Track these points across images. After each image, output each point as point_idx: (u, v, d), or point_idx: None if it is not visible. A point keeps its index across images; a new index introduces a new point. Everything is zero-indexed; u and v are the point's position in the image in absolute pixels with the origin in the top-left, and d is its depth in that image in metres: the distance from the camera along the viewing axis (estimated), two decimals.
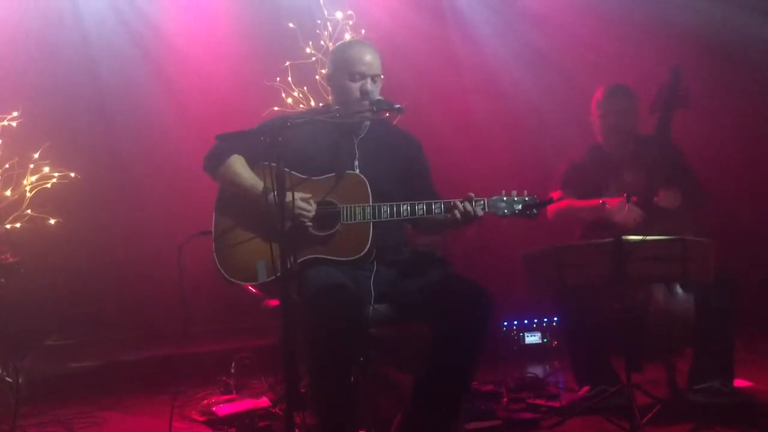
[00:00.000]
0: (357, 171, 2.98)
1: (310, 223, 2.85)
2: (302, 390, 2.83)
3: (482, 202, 2.84)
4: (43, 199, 4.21)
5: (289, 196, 2.59)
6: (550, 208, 3.56)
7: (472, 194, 2.85)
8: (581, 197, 3.58)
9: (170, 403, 3.30)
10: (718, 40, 4.73)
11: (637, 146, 3.61)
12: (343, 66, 3.01)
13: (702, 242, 3.04)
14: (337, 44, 4.20)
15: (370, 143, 3.07)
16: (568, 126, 4.46)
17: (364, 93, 2.96)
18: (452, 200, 2.85)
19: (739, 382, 3.42)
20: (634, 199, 3.33)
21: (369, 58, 2.99)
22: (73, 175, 4.28)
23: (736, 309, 3.30)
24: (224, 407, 3.57)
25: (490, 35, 5.27)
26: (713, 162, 4.45)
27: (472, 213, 2.81)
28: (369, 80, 2.98)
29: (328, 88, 3.17)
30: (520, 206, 2.85)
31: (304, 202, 2.84)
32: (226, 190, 3.00)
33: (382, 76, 3.03)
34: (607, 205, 3.40)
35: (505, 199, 2.86)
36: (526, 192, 2.87)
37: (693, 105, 3.41)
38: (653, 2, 4.93)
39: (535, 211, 2.86)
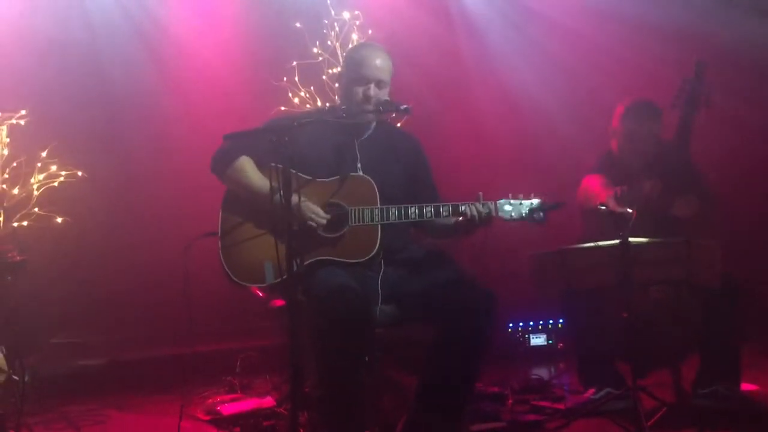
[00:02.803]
0: (360, 172, 2.98)
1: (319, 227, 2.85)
2: (307, 390, 2.83)
3: (489, 205, 2.84)
4: (50, 198, 4.22)
5: (298, 201, 2.59)
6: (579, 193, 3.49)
7: (481, 195, 2.85)
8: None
9: (177, 401, 3.31)
10: (738, 48, 4.67)
11: (654, 154, 3.50)
12: (351, 68, 3.02)
13: (708, 245, 3.03)
14: (353, 45, 4.21)
15: (372, 145, 3.07)
16: (577, 130, 4.45)
17: (366, 97, 2.96)
18: (460, 203, 2.85)
19: (745, 386, 3.41)
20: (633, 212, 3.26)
21: (378, 63, 2.99)
22: (80, 173, 4.30)
23: (742, 313, 3.28)
24: (229, 406, 3.58)
25: (498, 37, 5.26)
26: (731, 170, 4.41)
27: (480, 216, 2.81)
28: (373, 85, 2.97)
29: (337, 87, 3.17)
30: (527, 210, 2.86)
31: (316, 207, 2.83)
32: (233, 191, 2.99)
33: (389, 81, 3.02)
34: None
35: (512, 202, 2.86)
36: (533, 195, 2.87)
37: (713, 111, 3.31)
38: (671, 8, 4.88)
39: (542, 214, 2.86)
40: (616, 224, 3.09)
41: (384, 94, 3.01)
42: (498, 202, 2.87)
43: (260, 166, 2.96)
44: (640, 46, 4.86)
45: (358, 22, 4.50)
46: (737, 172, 4.61)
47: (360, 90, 2.97)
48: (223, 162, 2.97)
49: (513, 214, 2.86)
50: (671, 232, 3.27)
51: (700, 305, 3.23)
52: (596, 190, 3.41)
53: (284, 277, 2.51)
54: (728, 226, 4.04)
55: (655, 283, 3.17)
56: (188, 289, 3.12)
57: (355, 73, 2.99)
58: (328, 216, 2.86)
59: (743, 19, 4.72)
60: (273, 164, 2.58)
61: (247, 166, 2.96)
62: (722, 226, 3.55)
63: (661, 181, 3.35)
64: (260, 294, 2.99)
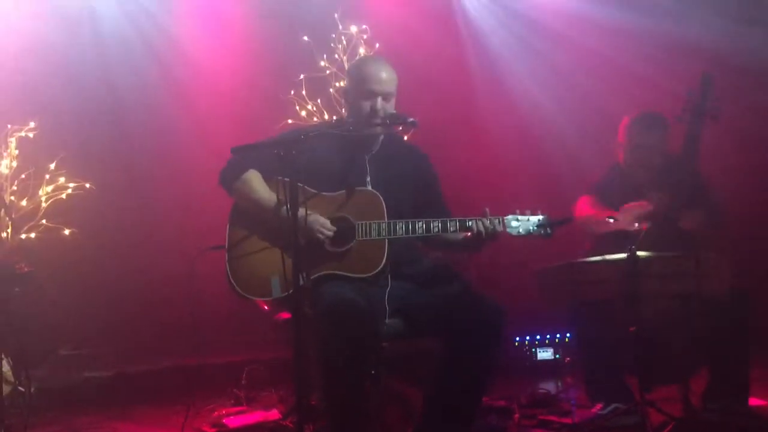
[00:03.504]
0: (369, 187, 2.99)
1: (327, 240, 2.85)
2: (312, 403, 2.83)
3: (496, 221, 2.84)
4: (58, 210, 4.25)
5: (307, 215, 2.59)
6: (578, 216, 3.51)
7: (488, 210, 2.85)
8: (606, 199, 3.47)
9: (182, 414, 3.30)
10: (743, 62, 4.67)
11: (662, 165, 3.50)
12: (357, 82, 3.02)
13: (716, 258, 3.01)
14: (355, 59, 4.23)
15: (382, 159, 3.07)
16: (584, 143, 4.45)
17: (374, 111, 2.96)
18: (467, 218, 2.85)
19: (754, 401, 3.39)
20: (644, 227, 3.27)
21: (383, 76, 2.98)
22: (88, 185, 4.33)
23: (751, 327, 3.26)
24: (235, 419, 3.57)
25: (505, 51, 5.28)
26: (737, 182, 4.40)
27: (486, 232, 2.82)
28: (380, 99, 2.98)
29: (343, 102, 3.17)
30: (534, 226, 2.86)
31: (324, 220, 2.83)
32: (240, 205, 2.99)
33: (394, 93, 3.04)
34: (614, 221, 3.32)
35: (519, 218, 2.87)
36: (539, 211, 2.88)
37: (720, 122, 3.29)
38: (676, 21, 4.89)
39: (549, 230, 2.87)
40: (625, 238, 3.08)
41: (390, 107, 3.01)
42: (505, 217, 2.87)
43: (268, 179, 2.97)
44: (647, 59, 4.87)
45: (365, 36, 4.52)
46: (746, 182, 4.60)
47: (367, 104, 2.97)
48: (231, 175, 2.98)
49: (520, 230, 2.86)
50: (679, 244, 3.25)
51: (708, 318, 3.21)
52: (590, 213, 3.43)
53: (291, 291, 2.50)
54: (737, 237, 4.03)
55: (664, 297, 3.15)
56: (195, 301, 3.12)
57: (361, 87, 2.98)
58: (335, 228, 2.86)
59: (750, 31, 4.72)
60: (280, 177, 2.59)
61: (254, 179, 2.96)
62: (731, 238, 3.53)
63: (668, 195, 3.34)
64: (266, 307, 2.98)
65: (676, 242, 3.28)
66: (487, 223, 2.84)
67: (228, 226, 2.96)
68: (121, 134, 5.00)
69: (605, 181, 3.60)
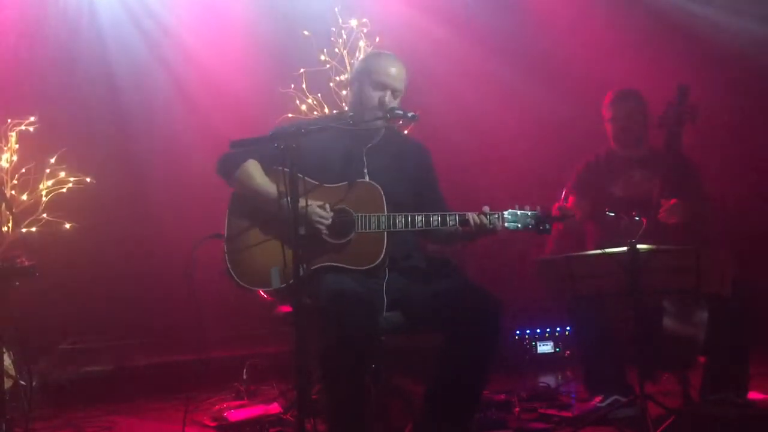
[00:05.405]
0: (366, 179, 2.99)
1: (326, 231, 2.85)
2: (313, 397, 2.83)
3: (495, 216, 2.85)
4: (58, 204, 4.24)
5: (306, 205, 2.60)
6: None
7: (487, 208, 2.87)
8: (589, 192, 3.67)
9: (182, 408, 3.31)
10: (736, 52, 4.70)
11: (649, 151, 3.72)
12: (368, 72, 3.03)
13: (717, 253, 3.01)
14: (369, 51, 4.23)
15: (380, 152, 3.07)
16: (584, 137, 4.44)
17: (382, 104, 2.97)
18: (466, 213, 2.85)
19: (753, 395, 3.39)
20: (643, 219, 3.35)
21: (397, 72, 3.02)
22: (88, 180, 4.31)
23: (750, 320, 3.27)
24: (235, 413, 3.58)
25: (506, 44, 5.26)
26: (727, 174, 4.42)
27: (485, 227, 2.83)
28: (389, 93, 2.99)
29: (348, 93, 3.18)
30: (533, 221, 2.88)
31: (321, 209, 2.84)
32: (239, 194, 3.00)
33: (403, 92, 3.04)
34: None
35: (518, 213, 2.88)
36: (539, 207, 2.90)
37: (707, 118, 3.49)
38: (673, 14, 4.91)
39: (547, 226, 2.89)
40: (625, 231, 3.11)
41: (396, 103, 3.03)
42: (504, 213, 2.88)
43: (269, 171, 2.96)
44: (653, 53, 4.87)
45: (365, 30, 4.51)
46: (738, 177, 4.61)
47: (376, 96, 2.99)
48: (229, 163, 2.98)
49: (519, 224, 2.88)
50: (669, 233, 3.32)
51: (708, 311, 3.21)
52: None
53: (290, 282, 2.51)
54: (734, 230, 4.06)
55: (664, 293, 3.16)
56: (195, 295, 3.12)
57: (373, 78, 3.00)
58: (332, 214, 2.86)
59: (743, 25, 4.76)
60: (280, 168, 2.58)
61: (253, 168, 2.96)
62: (728, 230, 3.60)
63: (658, 178, 3.48)
64: (266, 297, 2.99)
65: (671, 235, 3.33)
66: (486, 218, 2.85)
67: (227, 216, 2.97)
68: (121, 128, 4.98)
69: (597, 160, 3.79)
